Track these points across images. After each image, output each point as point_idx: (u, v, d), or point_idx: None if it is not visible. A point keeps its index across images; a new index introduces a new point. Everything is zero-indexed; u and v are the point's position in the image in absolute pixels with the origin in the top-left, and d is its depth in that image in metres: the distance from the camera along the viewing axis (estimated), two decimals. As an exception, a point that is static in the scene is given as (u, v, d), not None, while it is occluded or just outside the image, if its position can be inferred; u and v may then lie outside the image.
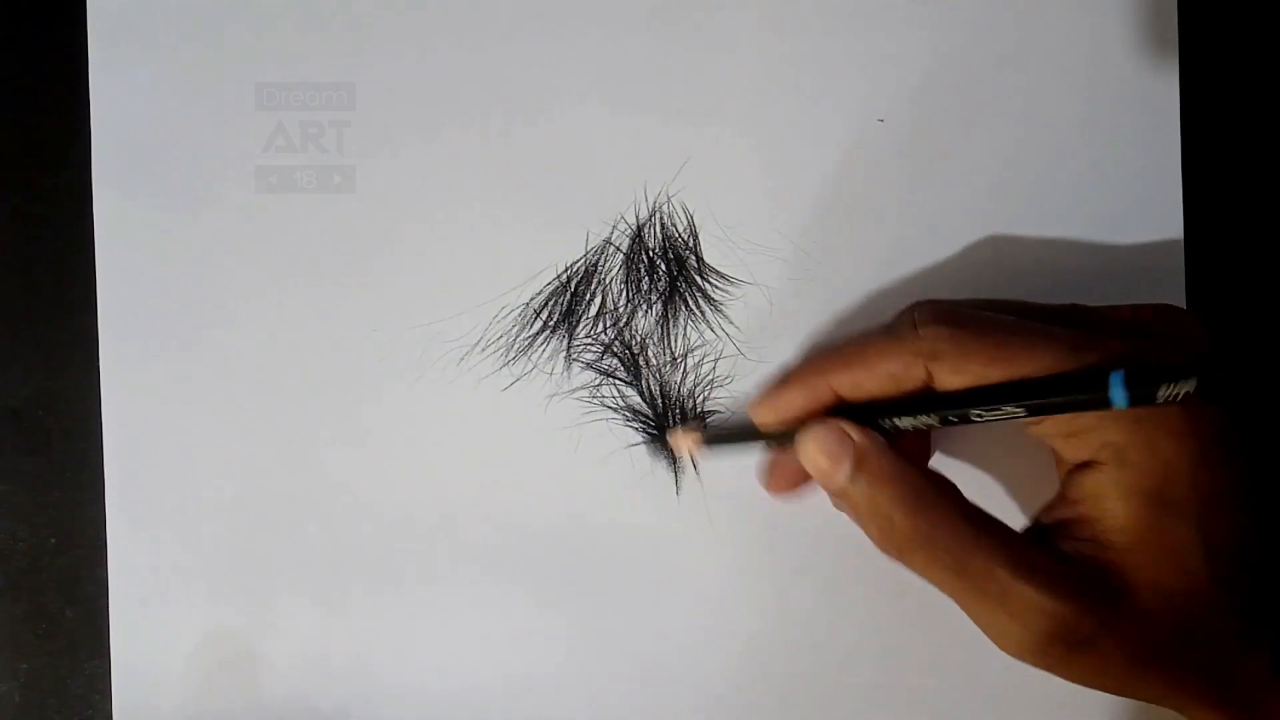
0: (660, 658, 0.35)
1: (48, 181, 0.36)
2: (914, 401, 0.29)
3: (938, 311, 0.29)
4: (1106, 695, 0.34)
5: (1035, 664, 0.28)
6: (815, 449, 0.30)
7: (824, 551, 0.35)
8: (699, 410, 0.35)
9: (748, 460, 0.35)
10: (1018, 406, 0.28)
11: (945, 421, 0.29)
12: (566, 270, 0.35)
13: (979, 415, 0.28)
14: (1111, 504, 0.28)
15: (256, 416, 0.35)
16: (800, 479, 0.32)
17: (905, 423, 0.29)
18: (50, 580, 0.35)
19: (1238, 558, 0.27)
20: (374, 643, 0.35)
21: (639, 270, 0.35)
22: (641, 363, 0.35)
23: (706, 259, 0.35)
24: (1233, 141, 0.36)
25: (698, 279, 0.35)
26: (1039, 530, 0.30)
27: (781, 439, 0.31)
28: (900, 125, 0.35)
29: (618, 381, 0.35)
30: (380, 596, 0.35)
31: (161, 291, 0.35)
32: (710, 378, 0.35)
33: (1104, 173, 0.35)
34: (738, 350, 0.35)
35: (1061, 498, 0.29)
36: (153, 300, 0.35)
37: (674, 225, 0.35)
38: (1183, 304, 0.35)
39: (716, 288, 0.35)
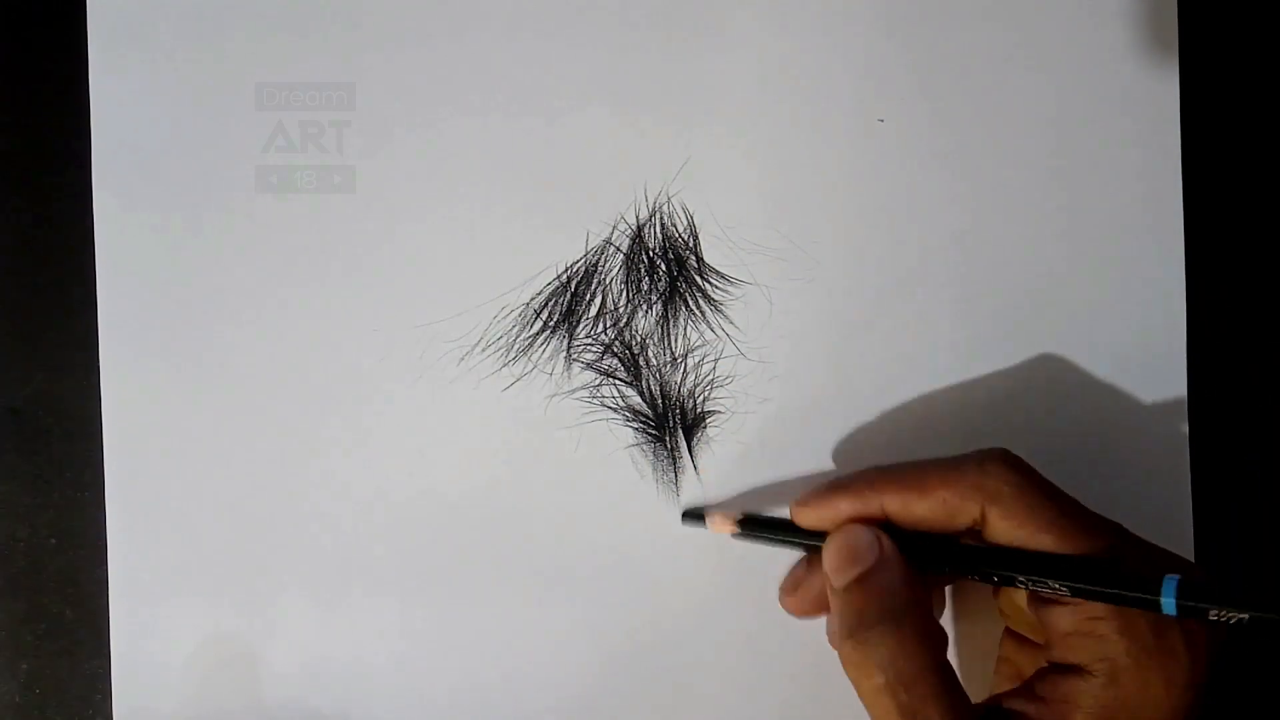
0: (660, 657, 0.35)
1: (48, 182, 0.35)
2: (959, 550, 0.29)
3: (1009, 458, 0.29)
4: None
5: None
6: (841, 544, 0.30)
7: (824, 551, 0.35)
8: (699, 412, 0.35)
9: (747, 460, 0.35)
10: (1065, 583, 0.27)
11: (984, 578, 0.29)
12: (566, 270, 0.35)
13: (1023, 581, 0.28)
14: (1077, 716, 0.27)
15: (256, 416, 0.35)
16: (820, 602, 0.32)
17: (927, 564, 0.29)
18: (50, 580, 0.35)
19: None
20: (374, 643, 0.35)
21: (639, 270, 0.35)
22: (641, 363, 0.35)
23: (706, 259, 0.35)
24: (1233, 141, 0.36)
25: (698, 279, 0.35)
26: (992, 710, 0.29)
27: (815, 543, 0.31)
28: (900, 125, 0.35)
29: (618, 381, 0.35)
30: (380, 597, 0.35)
31: (161, 291, 0.35)
32: (710, 378, 0.35)
33: (1104, 173, 0.35)
34: (738, 350, 0.35)
35: (1029, 690, 0.29)
36: (153, 300, 0.35)
37: (674, 225, 0.35)
38: (1183, 305, 0.35)
39: (716, 288, 0.35)
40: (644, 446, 0.35)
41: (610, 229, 0.35)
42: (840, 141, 0.35)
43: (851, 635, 0.29)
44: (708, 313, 0.35)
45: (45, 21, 0.35)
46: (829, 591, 0.30)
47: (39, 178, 0.36)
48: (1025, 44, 0.35)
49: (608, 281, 0.35)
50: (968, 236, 0.35)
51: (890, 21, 0.35)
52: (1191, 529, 0.35)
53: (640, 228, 0.35)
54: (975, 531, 0.29)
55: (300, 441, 0.35)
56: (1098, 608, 0.27)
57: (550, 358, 0.35)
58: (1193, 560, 0.35)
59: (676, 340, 0.35)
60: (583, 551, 0.35)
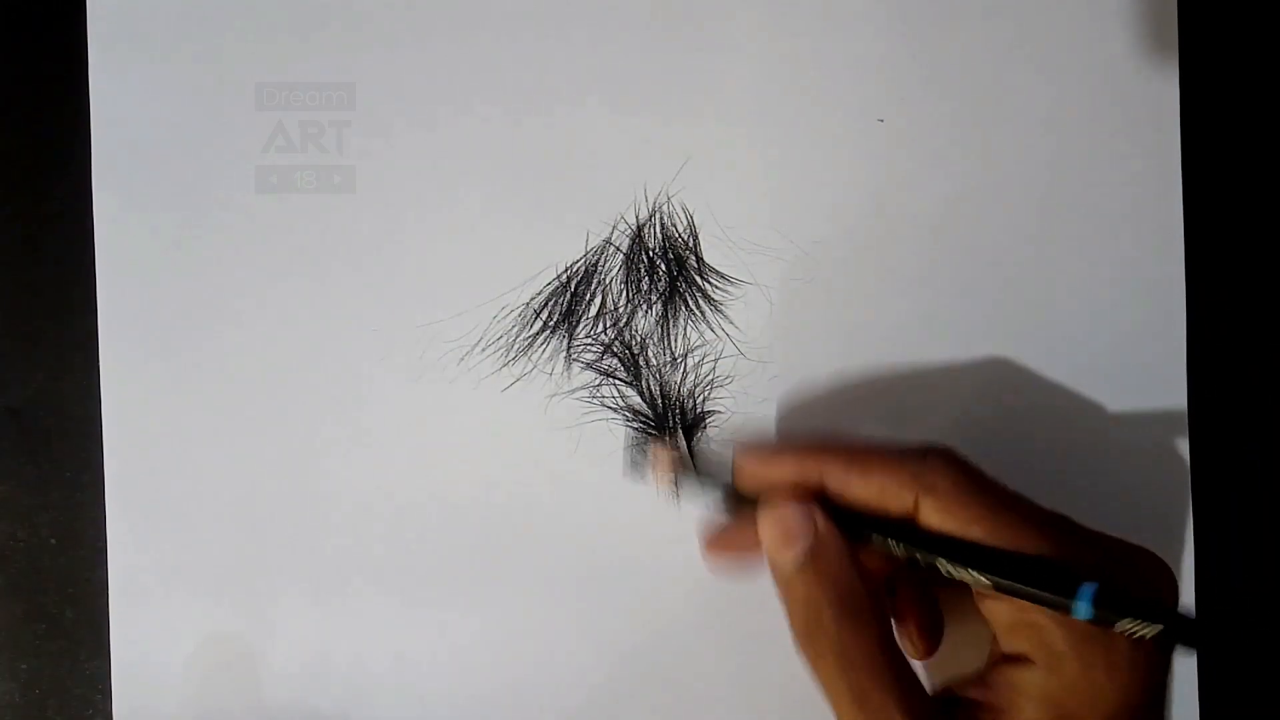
0: (660, 657, 0.35)
1: (48, 182, 0.35)
2: (891, 526, 0.29)
3: (950, 455, 0.30)
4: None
5: None
6: (775, 522, 0.30)
7: (824, 551, 0.35)
8: (699, 412, 0.35)
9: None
10: (985, 575, 0.28)
11: (910, 558, 0.29)
12: (566, 270, 0.35)
13: (946, 569, 0.28)
14: (1025, 704, 0.28)
15: (256, 416, 0.35)
16: (742, 553, 0.32)
17: (875, 540, 0.29)
18: (50, 580, 0.35)
19: None
20: (374, 643, 0.35)
21: (639, 270, 0.35)
22: (641, 363, 0.35)
23: (706, 259, 0.35)
24: (1233, 141, 0.36)
25: (698, 279, 0.35)
26: (947, 700, 0.30)
27: (745, 501, 0.31)
28: (900, 125, 0.35)
29: (618, 381, 0.35)
30: (380, 597, 0.35)
31: (161, 291, 0.35)
32: (710, 378, 0.35)
33: (1104, 173, 0.35)
34: (738, 350, 0.35)
35: (980, 679, 0.29)
36: (153, 300, 0.35)
37: (674, 225, 0.35)
38: (1183, 305, 0.35)
39: (716, 288, 0.35)
40: (644, 446, 0.35)
41: (610, 229, 0.35)
42: (840, 141, 0.35)
43: (804, 624, 0.29)
44: (708, 313, 0.35)
45: (45, 21, 0.36)
46: (775, 578, 0.30)
47: (39, 178, 0.36)
48: (1025, 44, 0.35)
49: (608, 281, 0.35)
50: (968, 237, 0.35)
51: (890, 21, 0.35)
52: (1191, 530, 0.35)
53: (640, 228, 0.35)
54: (909, 521, 0.30)
55: (300, 441, 0.35)
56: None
57: (550, 358, 0.35)
58: (1192, 557, 0.35)
59: (676, 340, 0.35)
60: (582, 551, 0.35)
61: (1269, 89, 0.36)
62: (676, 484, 0.34)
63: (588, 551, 0.35)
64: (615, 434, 0.35)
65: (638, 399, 0.35)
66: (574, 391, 0.35)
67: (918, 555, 0.29)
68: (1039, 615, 0.28)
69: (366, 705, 0.35)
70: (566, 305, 0.35)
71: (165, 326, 0.35)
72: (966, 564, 0.28)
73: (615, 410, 0.35)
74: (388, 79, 0.35)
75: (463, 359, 0.35)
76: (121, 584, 0.35)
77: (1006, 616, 0.29)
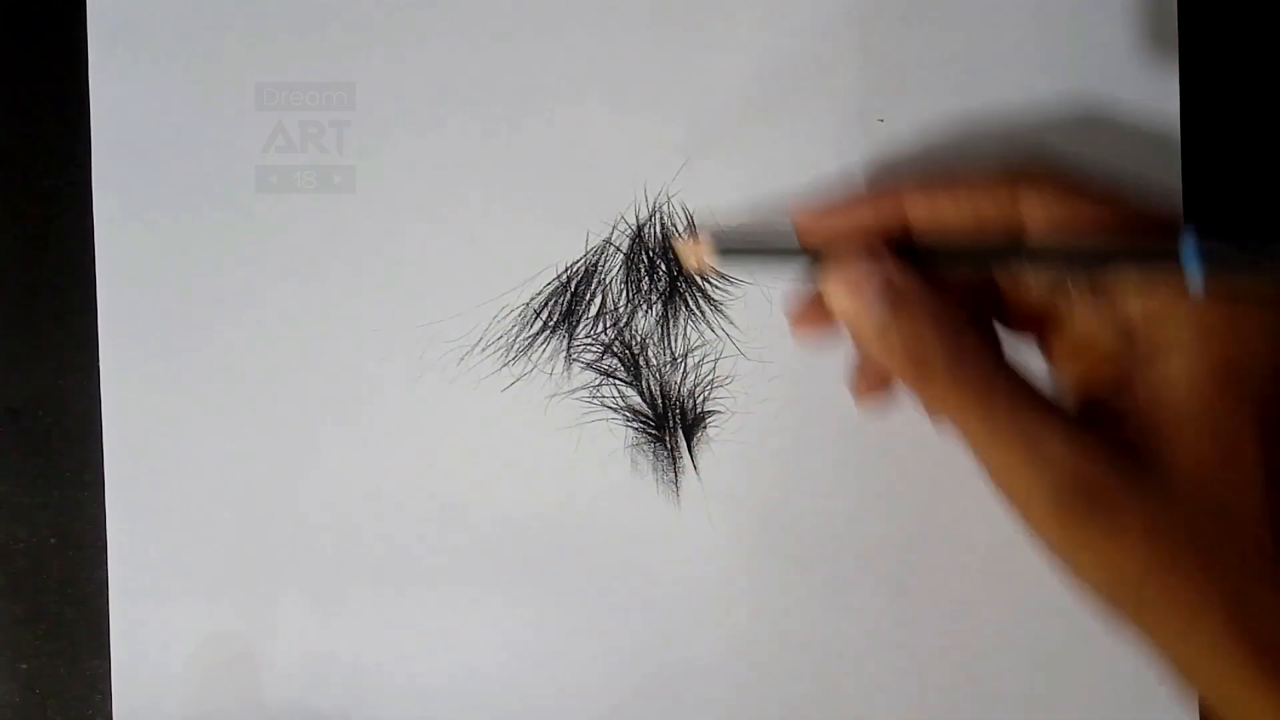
0: (660, 658, 0.35)
1: (48, 182, 0.35)
2: (988, 250, 0.27)
3: (1045, 161, 0.27)
4: (1103, 697, 0.34)
5: (1043, 527, 0.25)
6: (843, 285, 0.27)
7: (824, 551, 0.35)
8: (699, 412, 0.35)
9: (747, 462, 0.35)
10: (1096, 259, 0.26)
11: (1000, 261, 0.26)
12: (566, 270, 0.35)
13: (1049, 267, 0.26)
14: (1179, 391, 0.25)
15: (256, 416, 0.35)
16: (830, 321, 0.29)
17: (971, 263, 0.27)
18: (50, 580, 0.35)
19: None
20: (374, 643, 0.35)
21: (639, 270, 0.35)
22: (641, 363, 0.35)
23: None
24: (1233, 141, 0.36)
25: (698, 279, 0.35)
26: (1088, 409, 0.27)
27: (813, 260, 0.28)
28: (900, 125, 0.35)
29: (618, 381, 0.35)
30: (380, 597, 0.35)
31: (161, 291, 0.35)
32: (710, 378, 0.35)
33: (1104, 173, 0.35)
34: (738, 350, 0.35)
35: (1117, 388, 0.26)
36: (153, 300, 0.35)
37: (674, 225, 0.35)
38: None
39: (716, 288, 0.35)
40: (644, 446, 0.35)
41: (610, 229, 0.35)
42: (840, 141, 0.35)
43: (914, 377, 0.26)
44: (708, 313, 0.35)
45: (45, 21, 0.35)
46: (858, 344, 0.28)
47: (39, 178, 0.36)
48: (1025, 44, 0.35)
49: (608, 281, 0.35)
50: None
51: (890, 21, 0.35)
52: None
53: (640, 228, 0.35)
54: (1011, 239, 0.27)
55: (300, 441, 0.35)
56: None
57: (550, 358, 0.35)
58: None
59: (676, 340, 0.35)
60: (582, 551, 0.35)
61: (1269, 89, 0.36)
62: (710, 270, 0.31)
63: (588, 551, 0.35)
64: (615, 434, 0.35)
65: (638, 399, 0.35)
66: (574, 391, 0.35)
67: (1029, 266, 0.26)
68: (1160, 302, 0.25)
69: (366, 705, 0.35)
70: (566, 305, 0.35)
71: (165, 326, 0.35)
72: (1089, 265, 0.26)
73: (615, 410, 0.35)
74: (388, 79, 0.35)
75: (463, 359, 0.35)
76: (121, 584, 0.35)
77: (1139, 308, 0.26)
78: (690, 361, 0.35)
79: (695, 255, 0.31)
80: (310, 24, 0.35)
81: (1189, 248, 0.25)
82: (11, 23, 0.36)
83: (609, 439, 0.35)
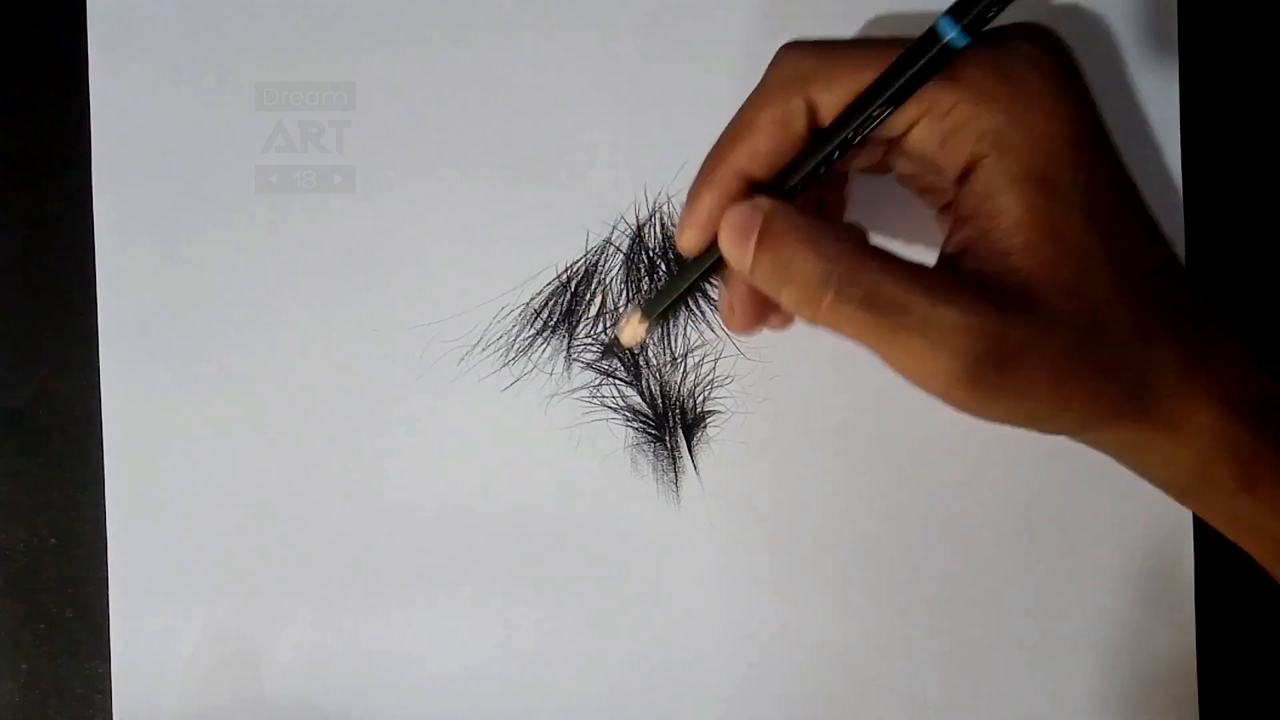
0: (660, 657, 0.35)
1: (48, 182, 0.35)
2: (803, 153, 0.28)
3: (791, 44, 0.29)
4: (1103, 697, 0.34)
5: (962, 399, 0.26)
6: (726, 235, 0.27)
7: (824, 551, 0.35)
8: (699, 412, 0.35)
9: (747, 462, 0.35)
10: (884, 104, 0.27)
11: (828, 157, 0.27)
12: (566, 270, 0.35)
13: (857, 131, 0.27)
14: (1002, 198, 0.26)
15: (256, 416, 0.35)
16: (762, 306, 0.30)
17: (796, 178, 0.28)
18: (50, 580, 0.35)
19: (1129, 244, 0.27)
20: (374, 643, 0.35)
21: (639, 270, 0.35)
22: (641, 363, 0.35)
23: (706, 259, 0.35)
24: (1233, 141, 0.36)
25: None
26: (944, 262, 0.28)
27: (715, 261, 0.29)
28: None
29: (618, 381, 0.35)
30: (381, 596, 0.35)
31: (161, 292, 0.35)
32: (710, 378, 0.35)
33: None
34: (738, 350, 0.35)
35: (956, 220, 0.28)
36: (153, 300, 0.35)
37: (674, 225, 0.35)
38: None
39: (716, 288, 0.35)
40: (644, 446, 0.35)
41: (610, 229, 0.35)
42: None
43: (794, 300, 0.27)
44: (708, 313, 0.35)
45: (45, 21, 0.36)
46: (762, 285, 0.28)
47: (39, 178, 0.36)
48: (1025, 44, 0.35)
49: (608, 281, 0.35)
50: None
51: (889, 21, 0.35)
52: (1191, 530, 0.35)
53: (640, 228, 0.35)
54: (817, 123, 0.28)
55: (300, 441, 0.35)
56: (939, 99, 0.27)
57: (550, 358, 0.35)
58: (1192, 560, 0.35)
59: (676, 340, 0.35)
60: (582, 551, 0.35)
61: (1269, 89, 0.36)
62: (647, 337, 0.32)
63: (587, 551, 0.35)
64: (615, 434, 0.35)
65: (638, 399, 0.35)
66: (574, 391, 0.35)
67: (834, 150, 0.27)
68: (958, 115, 0.27)
69: (368, 704, 0.35)
70: (566, 305, 0.35)
71: (165, 326, 0.35)
72: (865, 109, 0.27)
73: (615, 410, 0.35)
74: (388, 79, 0.35)
75: (463, 359, 0.35)
76: (121, 584, 0.35)
77: (935, 136, 0.27)
78: (690, 361, 0.35)
79: (632, 331, 0.31)
80: (310, 24, 0.35)
81: (944, 22, 0.26)
82: (11, 23, 0.36)
83: (609, 439, 0.35)
